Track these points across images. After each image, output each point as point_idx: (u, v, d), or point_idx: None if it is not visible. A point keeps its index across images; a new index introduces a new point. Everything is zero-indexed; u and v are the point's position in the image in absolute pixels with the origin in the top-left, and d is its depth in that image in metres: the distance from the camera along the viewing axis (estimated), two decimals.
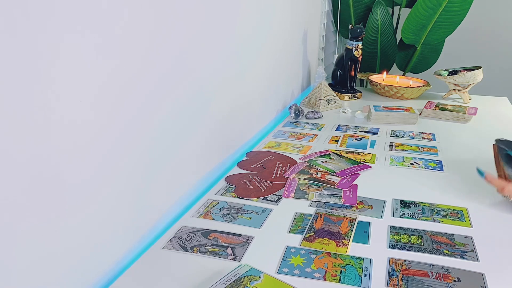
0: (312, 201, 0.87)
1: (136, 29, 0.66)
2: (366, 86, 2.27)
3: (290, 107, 1.40)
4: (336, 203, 0.86)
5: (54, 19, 0.50)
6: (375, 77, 1.81)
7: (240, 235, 0.75)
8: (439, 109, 1.47)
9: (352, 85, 1.70)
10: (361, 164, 1.05)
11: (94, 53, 0.58)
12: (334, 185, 0.93)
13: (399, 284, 0.63)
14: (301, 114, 1.42)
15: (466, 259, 0.69)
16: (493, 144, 0.92)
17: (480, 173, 0.87)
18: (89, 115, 0.58)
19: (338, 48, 2.10)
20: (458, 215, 0.82)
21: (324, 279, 0.64)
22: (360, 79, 2.21)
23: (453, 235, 0.75)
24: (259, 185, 0.93)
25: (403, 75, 2.16)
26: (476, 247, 0.72)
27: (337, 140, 1.23)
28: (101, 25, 0.58)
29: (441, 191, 0.92)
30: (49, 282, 0.55)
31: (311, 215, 0.82)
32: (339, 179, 0.96)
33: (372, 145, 1.19)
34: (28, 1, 0.46)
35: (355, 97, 1.69)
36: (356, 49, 1.61)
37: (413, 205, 0.85)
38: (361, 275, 0.65)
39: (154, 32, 0.71)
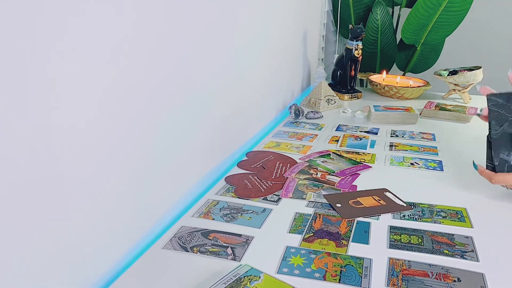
0: (310, 201, 0.87)
1: (140, 33, 0.66)
2: (366, 86, 2.27)
3: (290, 107, 1.40)
4: None
5: (62, 23, 0.50)
6: (375, 77, 1.81)
7: (240, 235, 0.75)
8: (439, 109, 1.47)
9: (352, 85, 1.70)
10: (361, 164, 1.05)
11: (99, 56, 0.58)
12: (334, 185, 0.93)
13: (399, 284, 0.63)
14: (301, 114, 1.42)
15: (466, 259, 0.69)
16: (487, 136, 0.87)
17: (474, 166, 0.89)
18: (91, 117, 0.58)
19: (338, 48, 2.10)
20: (458, 216, 0.82)
21: (324, 279, 0.64)
22: (360, 79, 2.21)
23: (453, 235, 0.75)
24: (259, 185, 0.93)
25: (403, 75, 2.16)
26: (476, 247, 0.72)
27: (337, 140, 1.23)
28: (106, 28, 0.58)
29: (441, 191, 0.92)
30: (49, 282, 0.55)
31: (311, 215, 0.82)
32: (339, 179, 0.96)
33: (372, 145, 1.19)
34: (31, 1, 0.46)
35: (355, 97, 1.69)
36: (356, 49, 1.61)
37: (413, 207, 0.85)
38: (361, 275, 0.65)
39: (157, 35, 0.71)
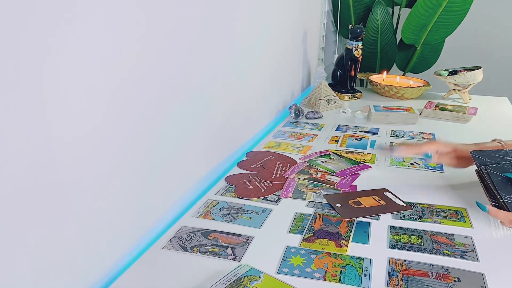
0: (310, 201, 0.87)
1: (142, 35, 0.66)
2: (366, 86, 2.27)
3: (290, 107, 1.40)
4: None
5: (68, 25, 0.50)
6: (375, 77, 1.81)
7: (240, 235, 0.75)
8: (439, 109, 1.47)
9: (352, 85, 1.70)
10: (361, 164, 1.05)
11: (103, 57, 0.58)
12: (334, 185, 0.93)
13: (399, 284, 0.63)
14: (301, 114, 1.42)
15: (466, 259, 0.69)
16: (476, 171, 0.85)
17: (482, 207, 0.78)
18: (93, 121, 0.58)
19: (338, 48, 2.09)
20: (458, 216, 0.82)
21: (324, 279, 0.64)
22: (360, 79, 2.21)
23: (453, 235, 0.75)
24: (259, 185, 0.93)
25: (403, 75, 2.16)
26: (476, 247, 0.72)
27: (337, 140, 1.23)
28: (110, 30, 0.58)
29: (441, 191, 0.92)
30: (50, 281, 0.55)
31: (311, 215, 0.82)
32: (339, 179, 0.96)
33: (372, 145, 1.19)
34: (34, 1, 0.46)
35: (355, 97, 1.69)
36: (356, 49, 1.61)
37: (413, 206, 0.85)
38: (361, 275, 0.65)
39: (158, 38, 0.71)
